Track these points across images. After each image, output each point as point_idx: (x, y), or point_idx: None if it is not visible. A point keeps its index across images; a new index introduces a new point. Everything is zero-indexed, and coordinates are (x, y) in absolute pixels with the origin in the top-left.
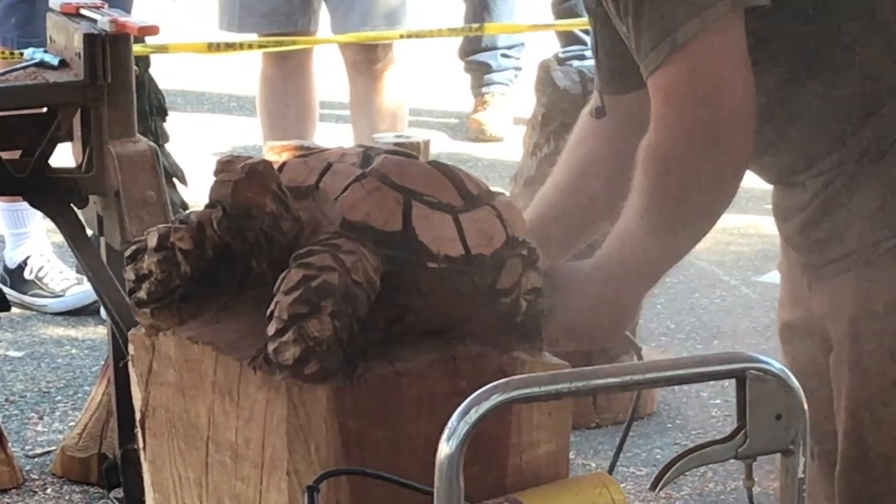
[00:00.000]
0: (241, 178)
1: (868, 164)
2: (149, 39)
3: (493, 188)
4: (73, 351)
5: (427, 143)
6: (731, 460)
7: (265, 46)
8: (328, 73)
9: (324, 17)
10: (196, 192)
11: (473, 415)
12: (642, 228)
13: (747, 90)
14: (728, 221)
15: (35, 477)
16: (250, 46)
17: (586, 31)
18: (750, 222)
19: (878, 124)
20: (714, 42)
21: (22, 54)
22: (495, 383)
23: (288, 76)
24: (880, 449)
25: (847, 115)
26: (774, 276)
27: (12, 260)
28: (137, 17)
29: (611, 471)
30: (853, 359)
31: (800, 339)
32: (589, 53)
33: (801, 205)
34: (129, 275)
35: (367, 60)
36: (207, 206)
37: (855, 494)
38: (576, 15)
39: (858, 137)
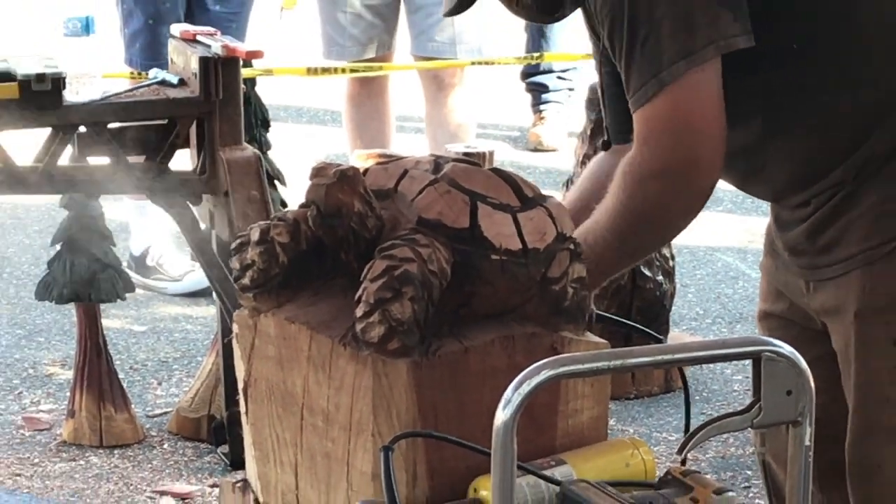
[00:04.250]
0: (333, 181)
1: (865, 180)
2: (256, 62)
3: (546, 192)
4: (188, 327)
5: (492, 153)
6: (748, 429)
7: (356, 71)
8: (408, 92)
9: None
10: (294, 193)
11: (526, 387)
12: (608, 233)
13: (720, 125)
14: (749, 224)
15: (154, 434)
16: (343, 71)
17: None
18: (757, 221)
19: (870, 147)
20: (695, 82)
21: (146, 74)
22: (545, 360)
23: (370, 95)
24: (885, 422)
25: (842, 139)
26: None
27: (137, 248)
28: (247, 43)
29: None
30: (858, 347)
31: (778, 326)
32: None
33: (804, 217)
34: (235, 264)
35: (440, 81)
36: (303, 206)
37: (864, 462)
38: None
39: (853, 160)
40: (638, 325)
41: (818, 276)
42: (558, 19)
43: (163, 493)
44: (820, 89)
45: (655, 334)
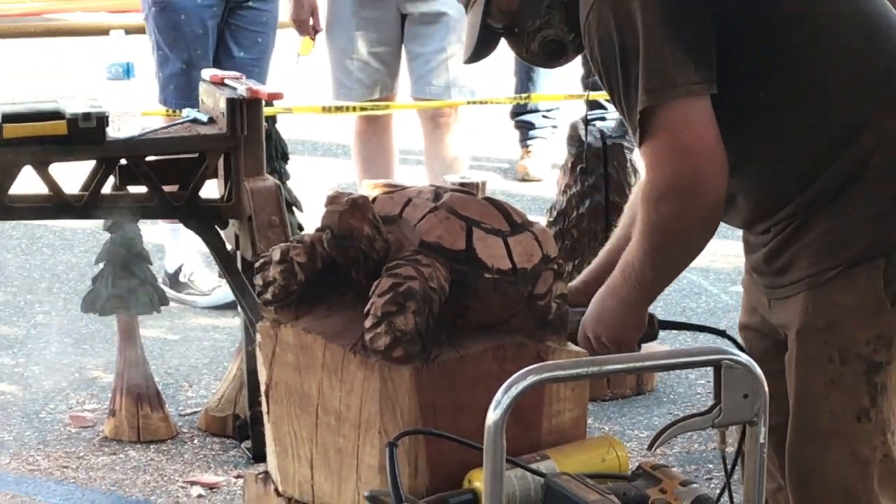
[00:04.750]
0: (345, 208)
1: (815, 213)
2: (276, 102)
3: (533, 218)
4: (216, 336)
5: (484, 183)
6: (710, 428)
7: (365, 109)
8: (409, 129)
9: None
10: (310, 218)
11: (514, 391)
12: (639, 253)
13: (715, 144)
14: (711, 246)
15: (185, 431)
16: (353, 109)
17: (608, 100)
18: (728, 246)
19: (822, 183)
20: (685, 110)
21: (180, 113)
22: (531, 367)
23: (376, 132)
24: (820, 427)
25: (799, 176)
26: None
27: (171, 267)
28: (268, 86)
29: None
30: (799, 360)
31: (755, 337)
32: (608, 116)
33: (765, 242)
34: (258, 281)
35: (437, 119)
36: (318, 230)
37: (801, 465)
38: (599, 88)
39: (806, 195)
40: (700, 325)
41: (775, 294)
42: (562, 65)
43: (193, 483)
44: (781, 133)
45: (718, 329)
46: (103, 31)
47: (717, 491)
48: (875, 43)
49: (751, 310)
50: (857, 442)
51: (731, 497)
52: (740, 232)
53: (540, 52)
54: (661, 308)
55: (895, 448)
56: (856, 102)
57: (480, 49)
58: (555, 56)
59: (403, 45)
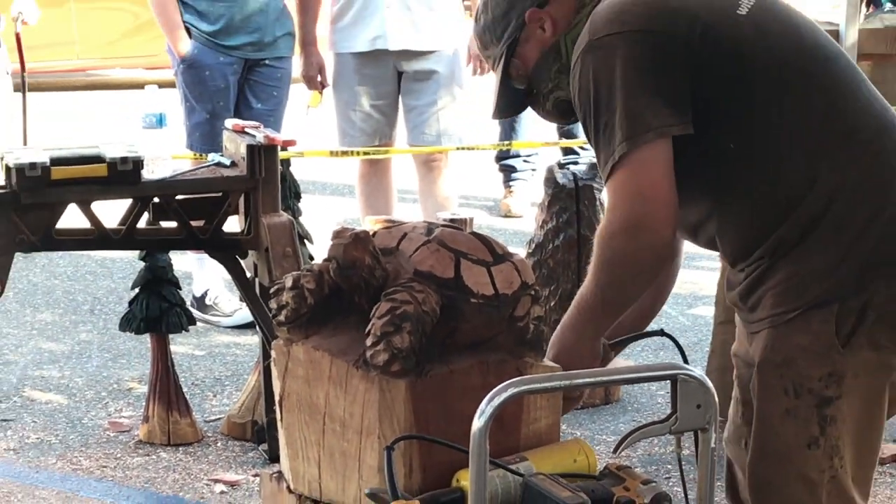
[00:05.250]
0: (349, 241)
1: (780, 258)
2: (290, 148)
3: (514, 250)
4: (237, 352)
5: (471, 220)
6: (668, 434)
7: (367, 154)
8: (405, 171)
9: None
10: (319, 249)
11: (496, 401)
12: (593, 288)
13: (668, 192)
14: None
15: (210, 435)
16: (357, 154)
17: (581, 147)
18: (685, 273)
19: (783, 232)
20: (644, 159)
21: (205, 157)
22: (510, 381)
23: (376, 174)
24: (776, 450)
25: (765, 223)
26: (701, 310)
27: (198, 291)
28: (282, 134)
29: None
30: (760, 390)
31: (742, 365)
32: (580, 160)
33: (740, 281)
34: (273, 304)
35: (430, 163)
36: (326, 260)
37: (758, 476)
38: (573, 136)
39: (772, 241)
40: (642, 333)
41: (749, 329)
42: (574, 122)
43: (216, 481)
44: (748, 182)
45: (657, 331)
46: (139, 86)
47: (675, 489)
48: (839, 105)
49: (740, 340)
50: (806, 466)
51: (685, 493)
52: (691, 263)
53: (554, 111)
54: None
55: (841, 471)
56: (814, 161)
57: (506, 107)
58: (566, 114)
59: (400, 99)
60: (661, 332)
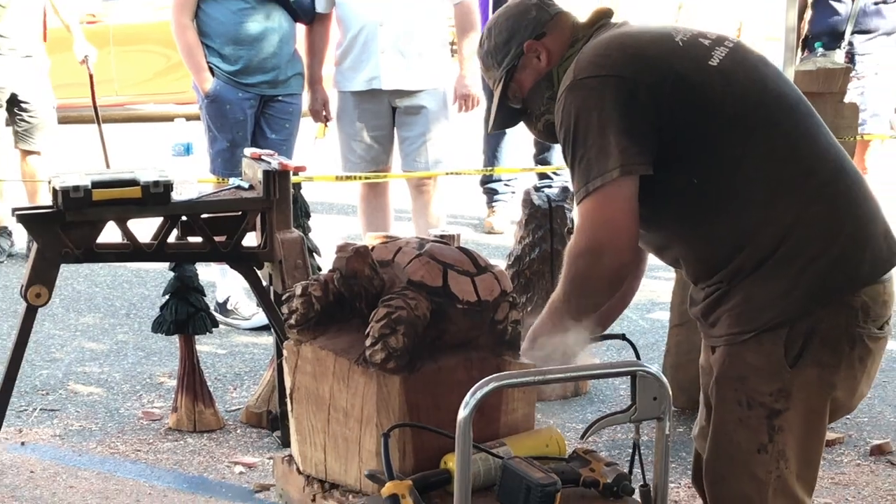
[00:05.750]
0: (351, 255)
1: (736, 284)
2: (301, 173)
3: (494, 262)
4: (254, 351)
5: (458, 236)
6: (629, 423)
7: (368, 178)
8: (401, 193)
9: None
10: (326, 261)
11: (479, 394)
12: (561, 297)
13: (631, 222)
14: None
15: (230, 423)
16: (358, 178)
17: (555, 173)
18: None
19: (741, 261)
20: (609, 192)
21: (227, 181)
22: (491, 376)
23: (376, 195)
24: (729, 452)
25: (723, 251)
26: (658, 315)
27: (220, 297)
28: (294, 160)
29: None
30: (717, 400)
31: (706, 374)
32: (553, 184)
33: (702, 299)
34: (284, 310)
35: (422, 187)
36: (330, 271)
37: (714, 472)
38: (548, 163)
39: (730, 268)
40: (605, 335)
41: (708, 342)
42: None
43: (236, 463)
44: (709, 214)
45: (618, 335)
46: (170, 119)
47: (635, 470)
48: (800, 148)
49: (704, 353)
50: (755, 467)
51: (643, 472)
52: (655, 272)
53: (544, 131)
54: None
55: (787, 472)
56: (774, 198)
57: (502, 122)
58: (555, 135)
59: (395, 131)
60: (622, 336)
